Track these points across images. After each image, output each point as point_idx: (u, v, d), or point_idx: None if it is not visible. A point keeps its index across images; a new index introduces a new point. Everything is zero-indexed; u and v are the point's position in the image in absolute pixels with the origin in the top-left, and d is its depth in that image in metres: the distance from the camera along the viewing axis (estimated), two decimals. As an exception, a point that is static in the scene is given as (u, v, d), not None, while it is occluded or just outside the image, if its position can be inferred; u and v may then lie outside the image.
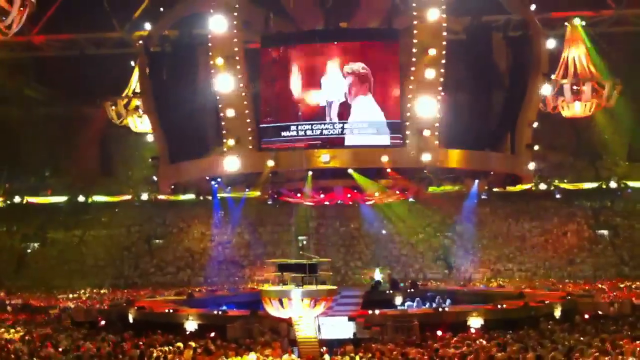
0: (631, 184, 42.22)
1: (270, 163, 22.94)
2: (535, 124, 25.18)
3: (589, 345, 15.43)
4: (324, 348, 17.23)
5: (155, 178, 27.29)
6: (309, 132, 23.82)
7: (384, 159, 22.62)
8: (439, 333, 18.66)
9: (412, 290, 28.33)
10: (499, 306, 22.02)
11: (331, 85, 23.96)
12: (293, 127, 23.99)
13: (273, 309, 19.89)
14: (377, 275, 30.27)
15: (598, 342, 15.82)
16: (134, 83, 29.49)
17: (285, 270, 20.77)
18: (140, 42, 27.63)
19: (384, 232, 40.35)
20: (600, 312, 22.83)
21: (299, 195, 26.26)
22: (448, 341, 17.30)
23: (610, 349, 14.85)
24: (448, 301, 26.20)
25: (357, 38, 24.96)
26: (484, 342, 16.72)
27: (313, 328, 18.77)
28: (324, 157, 22.67)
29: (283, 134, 24.03)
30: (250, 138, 23.49)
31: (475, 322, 20.25)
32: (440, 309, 22.54)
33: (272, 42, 25.11)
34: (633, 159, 43.16)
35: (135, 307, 23.66)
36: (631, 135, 41.56)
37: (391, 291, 27.68)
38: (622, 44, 34.25)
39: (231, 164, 23.27)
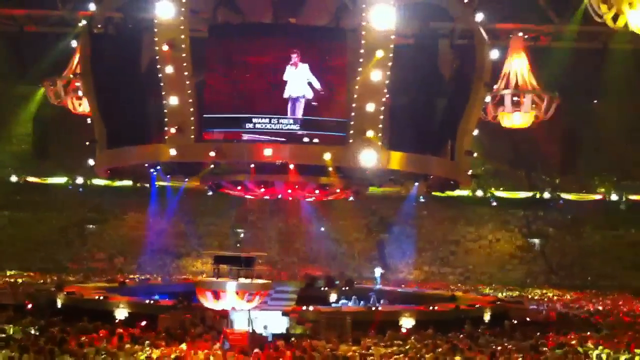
0: (564, 195, 43.57)
1: (212, 154, 22.66)
2: (475, 132, 25.66)
3: (514, 351, 15.82)
4: (255, 342, 17.15)
5: (91, 162, 26.66)
6: (258, 126, 23.72)
7: (327, 156, 22.61)
8: (371, 332, 18.82)
9: (347, 288, 28.47)
10: (431, 308, 22.37)
11: (295, 81, 23.88)
12: (242, 120, 23.84)
13: (207, 301, 19.74)
14: (377, 273, 30.62)
15: (524, 348, 16.24)
16: (75, 64, 28.77)
17: (221, 262, 20.66)
18: (83, 22, 26.92)
19: (322, 229, 40.48)
20: (528, 319, 23.38)
21: (239, 187, 26.07)
22: (379, 340, 17.46)
23: (534, 355, 15.26)
24: (381, 301, 26.42)
25: (304, 35, 24.90)
26: (414, 343, 16.93)
27: (245, 321, 18.71)
28: (266, 151, 22.52)
29: (226, 125, 23.82)
30: (192, 127, 23.10)
31: (407, 322, 20.48)
32: (373, 308, 22.77)
33: (220, 33, 24.81)
34: (566, 172, 44.49)
35: (65, 292, 23.08)
36: (565, 148, 42.79)
37: (326, 288, 27.76)
38: (562, 58, 35.14)
39: (171, 152, 22.90)
